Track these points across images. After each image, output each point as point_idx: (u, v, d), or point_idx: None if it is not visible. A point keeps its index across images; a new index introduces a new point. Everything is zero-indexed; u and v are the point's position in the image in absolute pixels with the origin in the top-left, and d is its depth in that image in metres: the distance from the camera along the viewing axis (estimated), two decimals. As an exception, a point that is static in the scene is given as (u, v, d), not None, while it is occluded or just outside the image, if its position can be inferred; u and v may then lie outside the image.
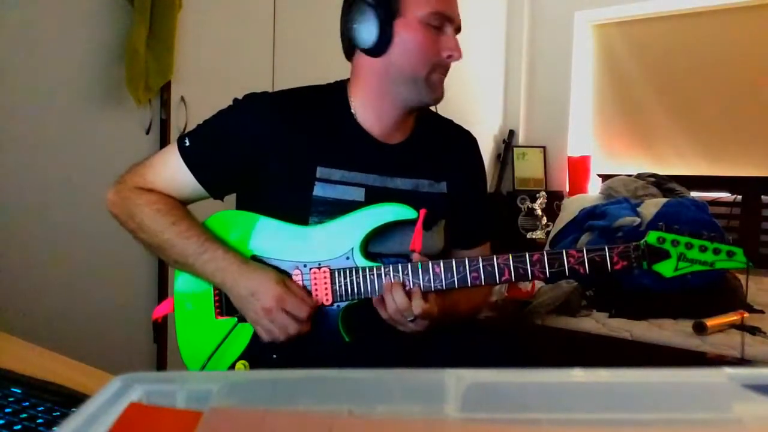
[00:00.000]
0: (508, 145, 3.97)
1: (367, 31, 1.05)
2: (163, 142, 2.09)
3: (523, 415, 0.32)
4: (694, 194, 2.93)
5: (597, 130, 3.93)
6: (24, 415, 0.61)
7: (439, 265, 1.00)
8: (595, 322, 2.02)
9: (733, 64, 3.40)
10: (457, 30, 1.09)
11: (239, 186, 1.13)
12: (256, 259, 1.05)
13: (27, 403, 0.63)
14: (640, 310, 2.04)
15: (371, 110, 1.12)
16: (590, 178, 3.79)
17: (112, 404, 0.33)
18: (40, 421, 0.60)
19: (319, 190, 1.06)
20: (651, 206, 2.40)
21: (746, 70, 3.37)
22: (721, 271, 0.96)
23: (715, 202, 3.12)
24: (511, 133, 4.00)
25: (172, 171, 1.07)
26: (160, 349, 2.10)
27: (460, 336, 1.07)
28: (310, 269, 1.03)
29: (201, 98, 2.15)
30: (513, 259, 0.99)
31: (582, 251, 0.98)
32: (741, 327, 1.86)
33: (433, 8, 1.05)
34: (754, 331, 1.86)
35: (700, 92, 3.52)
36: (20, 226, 1.77)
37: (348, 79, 1.16)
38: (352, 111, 1.12)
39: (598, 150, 3.89)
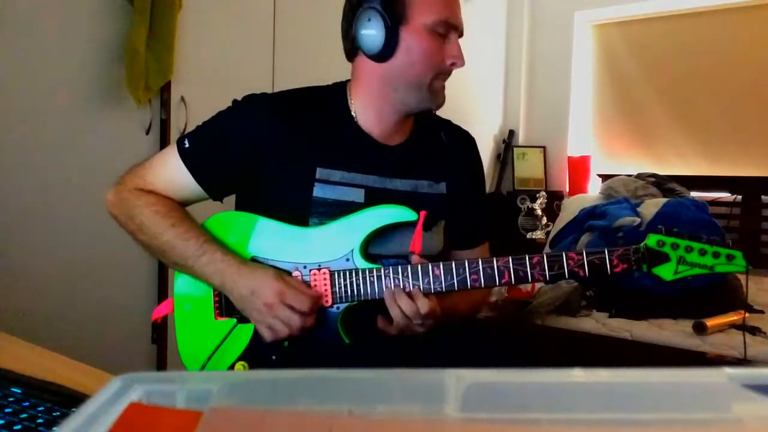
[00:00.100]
0: (508, 145, 3.97)
1: (373, 36, 1.05)
2: (163, 142, 2.09)
3: (523, 415, 0.32)
4: (694, 194, 2.93)
5: (597, 130, 3.93)
6: (24, 415, 0.61)
7: (438, 267, 1.00)
8: (595, 322, 2.02)
9: (733, 64, 3.40)
10: (460, 35, 1.10)
11: (239, 187, 1.13)
12: (256, 261, 1.05)
13: (27, 403, 0.63)
14: (640, 310, 2.04)
15: (371, 112, 1.12)
16: (590, 178, 3.79)
17: (112, 404, 0.33)
18: (40, 421, 0.60)
19: (319, 191, 1.06)
20: (651, 206, 2.40)
21: (746, 70, 3.37)
22: (721, 274, 0.96)
23: (715, 202, 3.12)
24: (511, 133, 4.00)
25: (171, 172, 1.07)
26: (159, 350, 2.10)
27: (460, 336, 1.07)
28: (310, 270, 1.03)
29: (201, 98, 2.15)
30: (513, 262, 0.99)
31: (581, 254, 0.98)
32: (741, 327, 1.86)
33: (439, 16, 1.04)
34: (754, 331, 1.86)
35: (700, 92, 3.52)
36: (20, 226, 1.77)
37: (348, 81, 1.16)
38: (352, 112, 1.12)
39: (598, 150, 3.89)
